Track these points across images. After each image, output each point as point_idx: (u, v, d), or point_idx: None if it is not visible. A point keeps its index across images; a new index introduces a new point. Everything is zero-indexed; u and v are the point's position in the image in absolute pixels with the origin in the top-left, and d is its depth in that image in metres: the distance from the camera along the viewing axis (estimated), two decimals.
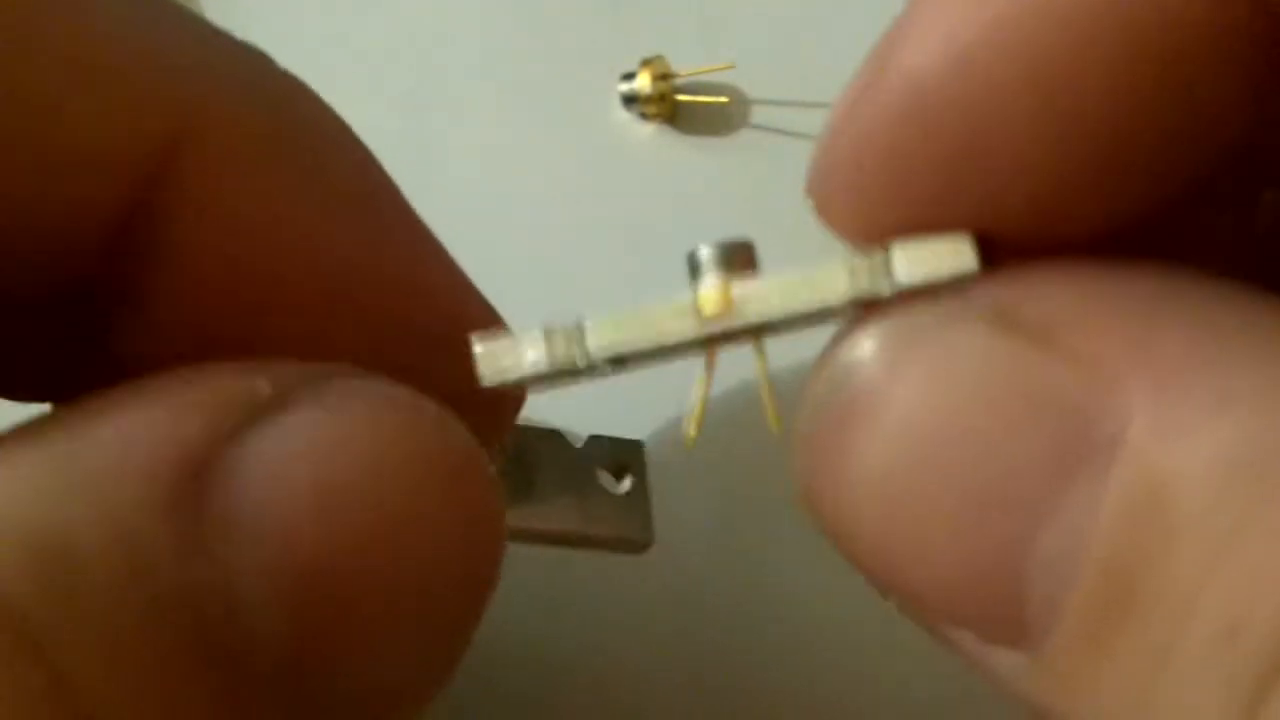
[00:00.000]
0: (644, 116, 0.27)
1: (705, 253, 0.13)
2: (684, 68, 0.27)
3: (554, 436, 0.21)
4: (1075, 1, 0.11)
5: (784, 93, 0.27)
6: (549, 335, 0.13)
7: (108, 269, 0.13)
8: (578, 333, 0.13)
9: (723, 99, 0.27)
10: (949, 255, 0.13)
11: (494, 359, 0.13)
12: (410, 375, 0.13)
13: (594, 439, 0.21)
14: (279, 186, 0.13)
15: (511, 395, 0.15)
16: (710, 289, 0.13)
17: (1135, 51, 0.11)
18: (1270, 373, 0.11)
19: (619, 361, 0.14)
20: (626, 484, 0.21)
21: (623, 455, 0.21)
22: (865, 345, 0.13)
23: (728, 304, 0.13)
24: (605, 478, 0.21)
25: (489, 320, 0.15)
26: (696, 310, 0.13)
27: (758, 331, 0.14)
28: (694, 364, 0.14)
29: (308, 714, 0.12)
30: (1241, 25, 0.11)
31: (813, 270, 0.13)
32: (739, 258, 0.14)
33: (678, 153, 0.27)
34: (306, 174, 0.13)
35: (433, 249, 0.15)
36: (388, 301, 0.14)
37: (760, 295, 0.13)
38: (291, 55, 0.30)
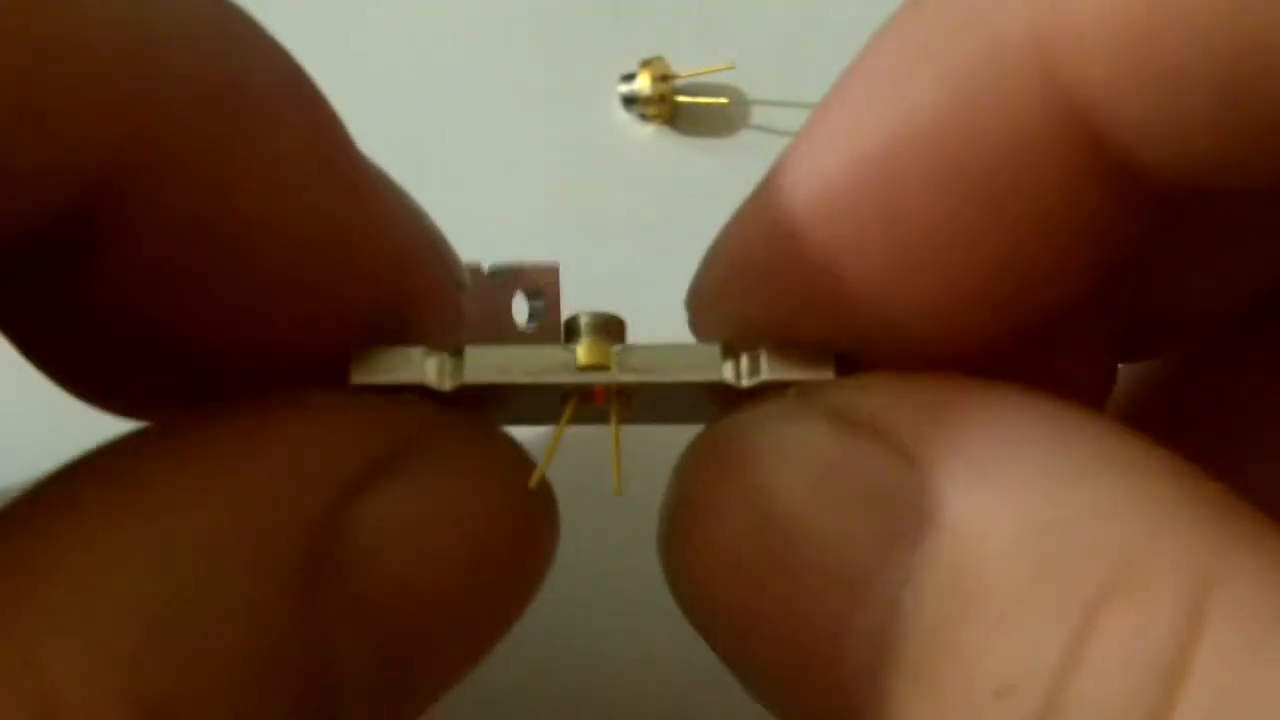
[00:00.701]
0: (644, 117, 0.27)
1: (585, 319, 0.15)
2: (684, 69, 0.27)
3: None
4: (936, 146, 0.13)
5: (784, 93, 0.27)
6: (426, 357, 0.14)
7: (79, 222, 0.13)
8: (456, 359, 0.14)
9: (723, 100, 0.27)
10: (811, 362, 0.14)
11: (369, 365, 0.14)
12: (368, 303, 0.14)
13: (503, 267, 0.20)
14: (234, 151, 0.13)
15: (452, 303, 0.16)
16: (589, 345, 0.15)
17: (979, 194, 0.13)
18: (1060, 465, 0.12)
19: (487, 393, 0.15)
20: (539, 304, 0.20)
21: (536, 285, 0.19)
22: (714, 437, 0.15)
23: (604, 358, 0.15)
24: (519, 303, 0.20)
25: (439, 265, 0.16)
26: (574, 358, 0.15)
27: (622, 391, 0.15)
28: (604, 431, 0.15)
29: None
30: (1082, 176, 0.13)
31: (687, 350, 0.15)
32: (613, 328, 0.15)
33: (678, 154, 0.27)
34: (258, 135, 0.13)
35: (377, 187, 0.15)
36: (334, 256, 0.14)
37: (634, 358, 0.15)
38: (291, 55, 0.30)
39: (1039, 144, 0.12)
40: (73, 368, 0.15)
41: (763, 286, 0.15)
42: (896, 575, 0.12)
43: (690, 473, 0.15)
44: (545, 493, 0.15)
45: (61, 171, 0.12)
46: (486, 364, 0.14)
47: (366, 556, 0.13)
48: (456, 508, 0.14)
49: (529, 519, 0.15)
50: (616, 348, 0.15)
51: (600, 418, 0.15)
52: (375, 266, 0.14)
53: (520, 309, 0.16)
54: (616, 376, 0.15)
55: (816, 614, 0.13)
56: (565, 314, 0.16)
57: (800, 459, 0.13)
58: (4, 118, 0.11)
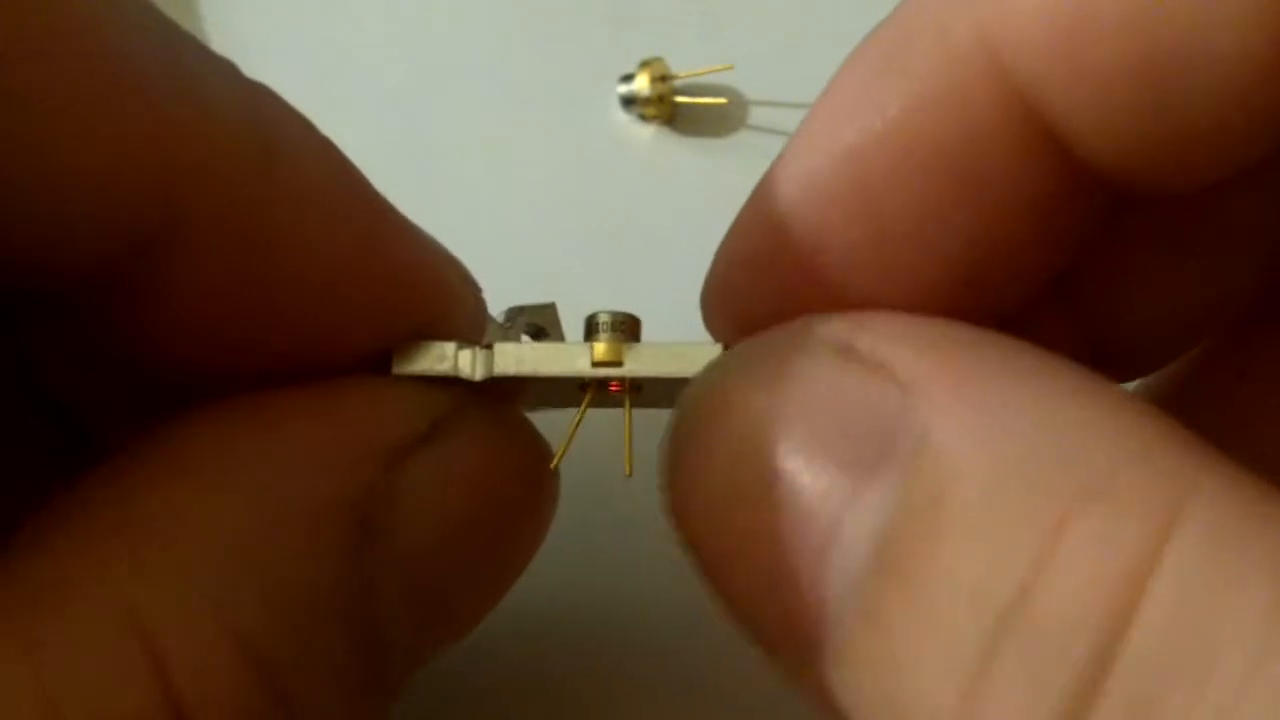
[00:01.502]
0: (643, 118, 0.27)
1: (603, 317, 0.17)
2: (683, 69, 0.27)
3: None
4: (908, 136, 0.14)
5: (782, 94, 0.27)
6: (459, 350, 0.17)
7: (121, 272, 0.15)
8: (486, 352, 0.16)
9: (721, 100, 0.27)
10: None
11: (409, 357, 0.17)
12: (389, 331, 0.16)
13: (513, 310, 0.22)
14: (267, 199, 0.15)
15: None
16: (605, 341, 0.17)
17: (943, 181, 0.14)
18: (1044, 398, 0.13)
19: (512, 382, 0.17)
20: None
21: (538, 319, 0.21)
22: (717, 365, 0.16)
23: (617, 355, 0.17)
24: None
25: (459, 280, 0.18)
26: (591, 355, 0.17)
27: (634, 383, 0.17)
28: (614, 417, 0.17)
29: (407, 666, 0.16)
30: (1035, 163, 0.14)
31: (692, 346, 0.17)
32: (629, 326, 0.17)
33: (677, 154, 0.27)
34: (289, 185, 0.15)
35: (400, 228, 0.17)
36: (362, 283, 0.16)
37: (645, 354, 0.17)
38: (290, 56, 0.30)
39: (992, 134, 0.14)
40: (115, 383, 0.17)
41: (762, 277, 0.16)
42: (878, 502, 0.13)
43: (690, 398, 0.16)
44: (549, 463, 0.18)
45: (141, 188, 0.14)
46: (513, 357, 0.16)
47: (406, 512, 0.16)
48: (481, 475, 0.17)
49: (537, 485, 0.18)
50: (629, 345, 0.17)
51: (615, 403, 0.17)
52: (408, 279, 0.17)
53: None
54: (627, 371, 0.16)
55: (806, 532, 0.13)
56: (568, 331, 0.18)
57: (795, 386, 0.14)
58: (103, 152, 0.14)
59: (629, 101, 0.27)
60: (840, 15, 0.27)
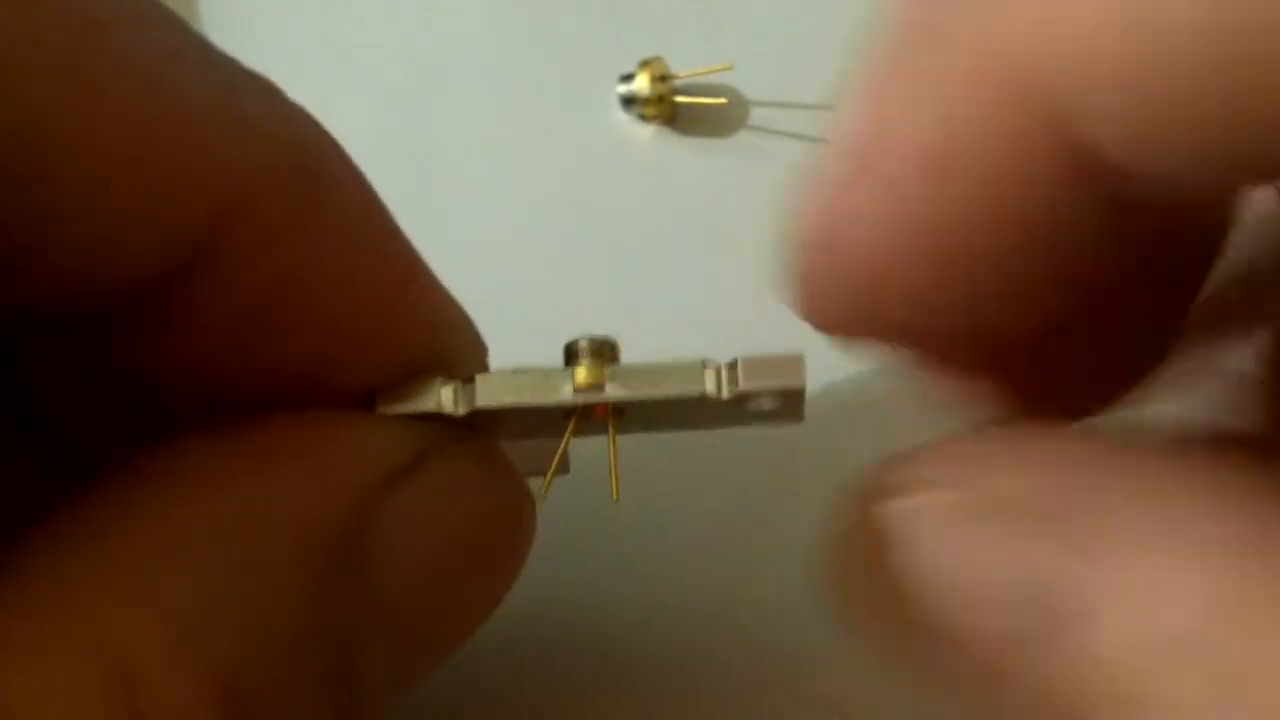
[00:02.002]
0: (643, 118, 0.27)
1: (582, 343, 0.17)
2: (683, 69, 0.27)
3: None
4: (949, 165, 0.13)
5: (782, 94, 0.27)
6: (442, 387, 0.16)
7: (146, 296, 0.15)
8: (468, 386, 0.16)
9: (721, 100, 0.27)
10: (784, 371, 0.17)
11: (392, 391, 0.16)
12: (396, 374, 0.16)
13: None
14: (302, 230, 0.15)
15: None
16: (586, 366, 0.17)
17: (977, 203, 0.13)
18: (1237, 552, 0.11)
19: (497, 414, 0.17)
20: None
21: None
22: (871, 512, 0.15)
23: (599, 379, 0.16)
24: None
25: (468, 331, 0.18)
26: (573, 381, 0.17)
27: (617, 407, 0.17)
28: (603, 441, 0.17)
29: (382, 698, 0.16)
30: (1073, 187, 0.13)
31: (672, 366, 0.17)
32: (607, 350, 0.17)
33: (676, 154, 0.27)
34: (324, 217, 0.15)
35: (420, 270, 0.17)
36: (381, 323, 0.16)
37: (626, 376, 0.17)
38: (289, 56, 0.30)
39: (1028, 158, 0.13)
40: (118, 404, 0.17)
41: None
42: (1045, 670, 0.12)
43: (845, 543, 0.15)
44: (528, 498, 0.18)
45: (180, 214, 0.14)
46: (495, 389, 0.16)
47: (387, 545, 0.15)
48: (462, 508, 0.17)
49: (515, 518, 0.18)
50: (609, 368, 0.17)
51: (600, 429, 0.17)
52: (422, 323, 0.17)
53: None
54: (610, 395, 0.16)
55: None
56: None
57: (948, 561, 0.13)
58: (144, 184, 0.14)
59: (628, 101, 0.27)
60: (842, 15, 0.27)
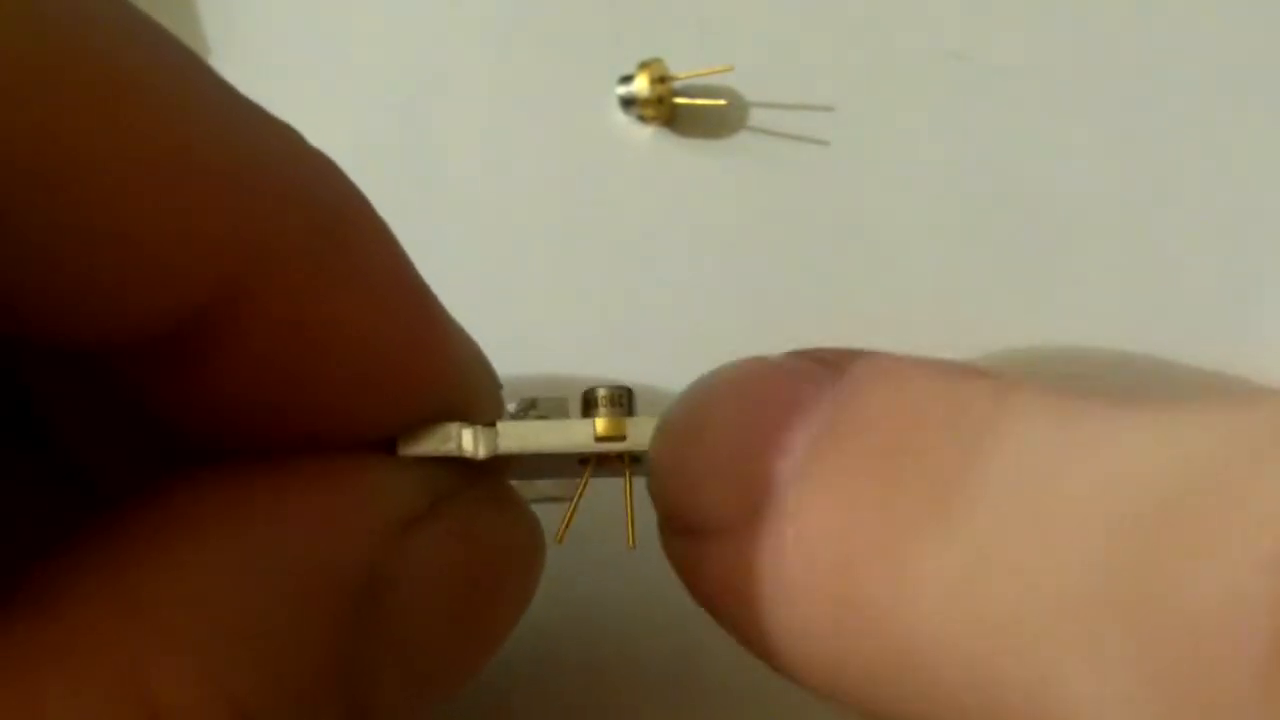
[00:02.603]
0: (642, 119, 0.27)
1: (601, 393, 0.18)
2: (682, 70, 0.27)
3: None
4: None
5: (782, 95, 0.27)
6: (463, 430, 0.17)
7: (164, 341, 0.15)
8: (489, 430, 0.17)
9: (721, 101, 0.27)
10: None
11: (414, 436, 0.17)
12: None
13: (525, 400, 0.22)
14: (324, 281, 0.15)
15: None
16: (605, 417, 0.17)
17: None
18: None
19: (521, 462, 0.18)
20: None
21: (549, 413, 0.22)
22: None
23: (620, 430, 0.17)
24: None
25: (488, 377, 0.19)
26: (593, 430, 0.17)
27: (634, 456, 0.17)
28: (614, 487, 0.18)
29: None
30: None
31: None
32: (624, 399, 0.18)
33: (676, 155, 0.27)
34: (345, 268, 0.15)
35: (442, 320, 0.17)
36: (403, 376, 0.16)
37: (644, 427, 0.17)
38: (288, 57, 0.30)
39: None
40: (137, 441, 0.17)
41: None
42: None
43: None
44: (538, 534, 0.18)
45: (203, 265, 0.14)
46: (517, 435, 0.17)
47: (405, 586, 0.16)
48: (478, 549, 0.17)
49: (526, 556, 0.18)
50: (630, 419, 0.17)
51: (613, 473, 0.18)
52: (443, 373, 0.17)
53: None
54: (630, 446, 0.17)
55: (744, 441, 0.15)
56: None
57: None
58: (162, 227, 0.14)
59: (628, 103, 0.27)
60: (842, 17, 0.27)
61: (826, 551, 0.14)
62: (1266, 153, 0.26)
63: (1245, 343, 0.25)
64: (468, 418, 0.17)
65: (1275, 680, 0.10)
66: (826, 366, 0.15)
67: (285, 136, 0.15)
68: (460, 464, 0.17)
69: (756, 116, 0.27)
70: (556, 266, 0.26)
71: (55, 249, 0.13)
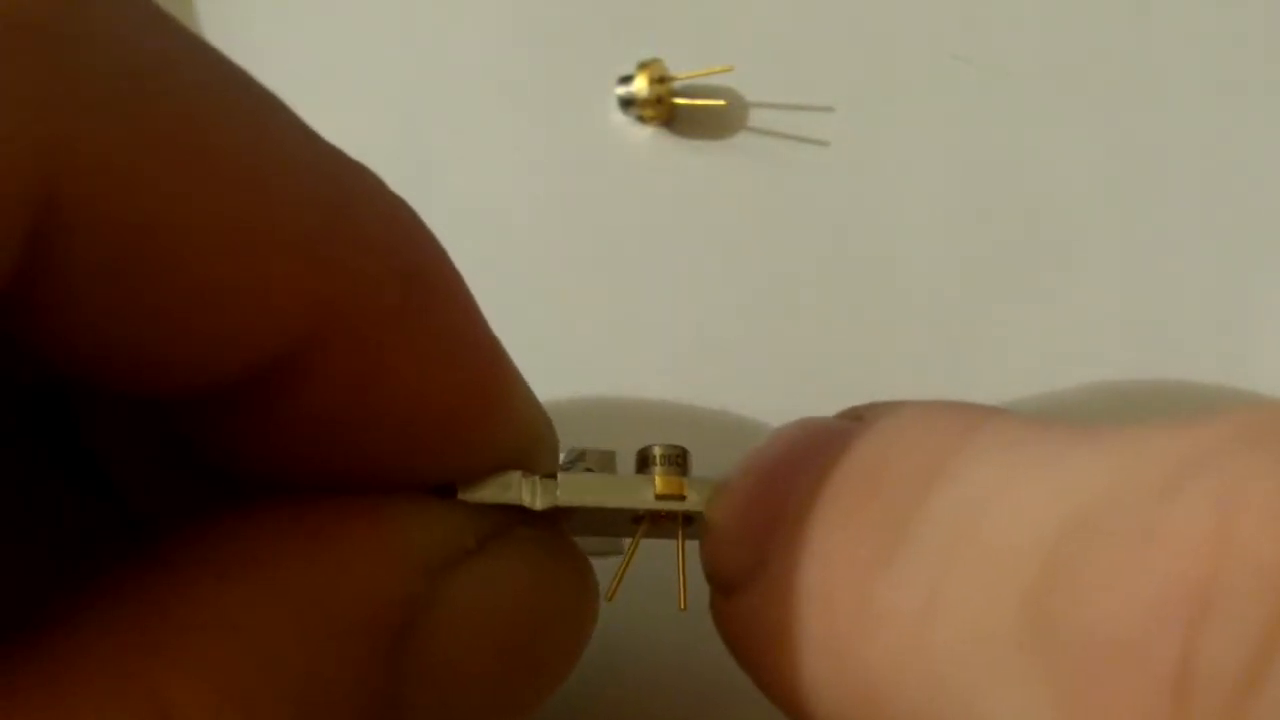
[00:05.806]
0: (641, 119, 0.27)
1: (658, 451, 0.18)
2: (682, 71, 0.27)
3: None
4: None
5: (782, 96, 0.27)
6: (523, 480, 0.17)
7: (235, 390, 0.14)
8: (547, 482, 0.17)
9: (720, 102, 0.27)
10: None
11: (475, 486, 0.17)
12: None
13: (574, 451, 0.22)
14: (402, 333, 0.15)
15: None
16: (662, 475, 0.17)
17: None
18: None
19: (574, 514, 0.17)
20: None
21: (597, 465, 0.22)
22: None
23: (679, 489, 0.17)
24: None
25: (548, 431, 0.18)
26: (653, 488, 0.17)
27: (688, 516, 0.17)
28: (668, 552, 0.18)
29: None
30: None
31: None
32: (681, 460, 0.18)
33: (675, 156, 0.27)
34: (422, 319, 0.15)
35: (511, 374, 0.17)
36: (470, 430, 0.16)
37: (701, 488, 0.17)
38: (287, 59, 0.30)
39: None
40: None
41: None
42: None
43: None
44: (591, 581, 0.18)
45: (284, 320, 0.14)
46: (576, 488, 0.17)
47: (445, 626, 0.15)
48: (524, 595, 0.17)
49: (579, 609, 0.18)
50: (689, 479, 0.17)
51: (666, 534, 0.18)
52: (509, 430, 0.17)
53: None
54: (691, 505, 0.17)
55: None
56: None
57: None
58: (254, 282, 0.13)
59: (627, 103, 0.27)
60: (842, 17, 0.27)
61: (811, 596, 0.14)
62: (1266, 154, 0.26)
63: (1245, 343, 0.25)
64: (526, 467, 0.17)
65: (1183, 700, 0.10)
66: (858, 421, 0.15)
67: (367, 184, 0.15)
68: (518, 512, 0.17)
69: (756, 117, 0.27)
70: (555, 267, 0.26)
71: (144, 304, 0.13)
